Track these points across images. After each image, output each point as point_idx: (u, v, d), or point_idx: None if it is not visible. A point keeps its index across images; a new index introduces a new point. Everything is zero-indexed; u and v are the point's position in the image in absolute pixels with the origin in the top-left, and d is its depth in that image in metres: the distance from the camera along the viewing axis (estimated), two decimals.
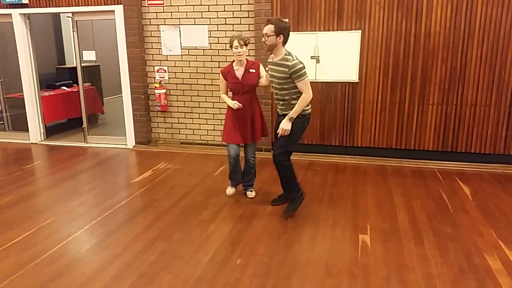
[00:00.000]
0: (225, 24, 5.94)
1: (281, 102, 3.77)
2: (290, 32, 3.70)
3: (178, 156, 5.99)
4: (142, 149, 6.44)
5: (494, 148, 5.38)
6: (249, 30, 5.85)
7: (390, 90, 5.53)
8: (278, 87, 3.72)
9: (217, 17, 5.95)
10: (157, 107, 6.43)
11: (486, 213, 3.98)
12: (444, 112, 5.44)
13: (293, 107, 3.65)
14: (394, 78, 5.47)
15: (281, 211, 4.00)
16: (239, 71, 4.03)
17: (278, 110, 3.88)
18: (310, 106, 3.81)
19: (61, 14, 7.64)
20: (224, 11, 5.90)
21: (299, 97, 3.64)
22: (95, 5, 6.24)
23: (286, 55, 3.60)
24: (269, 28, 3.57)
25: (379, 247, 3.36)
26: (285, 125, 3.65)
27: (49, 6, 6.42)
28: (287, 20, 3.27)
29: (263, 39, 3.64)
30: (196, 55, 6.16)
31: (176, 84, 6.36)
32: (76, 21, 6.44)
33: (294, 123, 3.68)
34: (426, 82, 5.41)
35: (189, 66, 6.24)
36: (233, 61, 4.06)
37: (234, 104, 4.01)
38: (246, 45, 3.93)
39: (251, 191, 4.44)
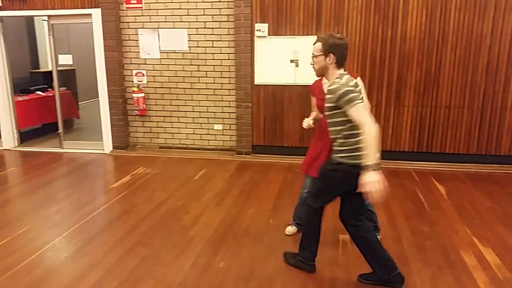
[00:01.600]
0: (205, 28, 5.94)
1: (334, 142, 2.75)
2: (323, 42, 2.72)
3: (157, 161, 5.95)
4: (120, 154, 6.36)
5: (467, 148, 5.55)
6: (228, 34, 5.87)
7: (367, 92, 5.63)
8: (328, 122, 2.78)
9: (197, 21, 5.95)
10: (135, 111, 6.37)
11: (461, 211, 4.09)
12: (419, 114, 5.58)
13: (344, 152, 2.67)
14: (371, 81, 5.58)
15: (264, 218, 4.02)
16: (326, 86, 2.99)
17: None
18: (356, 153, 2.64)
19: (35, 17, 7.49)
20: (204, 14, 5.90)
21: (351, 135, 2.61)
22: (72, 8, 6.15)
23: (337, 78, 2.66)
24: (316, 48, 2.74)
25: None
26: (371, 181, 2.45)
27: (24, 9, 6.29)
28: (340, 35, 2.72)
29: (311, 62, 2.82)
30: (175, 59, 6.13)
31: (155, 87, 6.31)
32: (52, 24, 6.33)
33: (325, 171, 2.79)
34: (402, 85, 5.53)
35: (168, 70, 6.21)
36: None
37: (304, 123, 3.25)
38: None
39: (292, 226, 3.73)
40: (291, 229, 3.68)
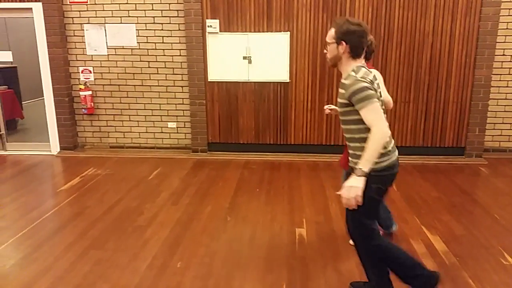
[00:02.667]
0: (154, 23, 5.81)
1: (349, 144, 2.44)
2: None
3: (108, 161, 5.75)
4: (68, 155, 6.10)
5: (414, 141, 5.81)
6: (179, 30, 5.78)
7: (318, 89, 5.74)
8: (340, 120, 2.45)
9: (145, 16, 5.79)
10: (83, 109, 6.12)
11: (409, 201, 4.28)
12: None
13: (354, 157, 2.38)
14: (322, 78, 5.70)
15: (221, 212, 4.00)
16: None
17: (351, 162, 2.48)
18: (390, 153, 2.36)
19: None
20: (152, 9, 5.76)
21: (362, 138, 2.30)
22: (9, 1, 5.79)
23: (352, 71, 2.33)
24: (329, 34, 2.40)
25: (315, 238, 3.49)
26: (351, 186, 2.20)
27: None
28: (357, 21, 2.35)
29: (325, 51, 2.49)
30: (124, 55, 5.95)
31: (103, 85, 6.10)
32: None
33: (367, 186, 2.22)
34: None
35: (117, 66, 6.01)
36: None
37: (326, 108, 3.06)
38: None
39: None
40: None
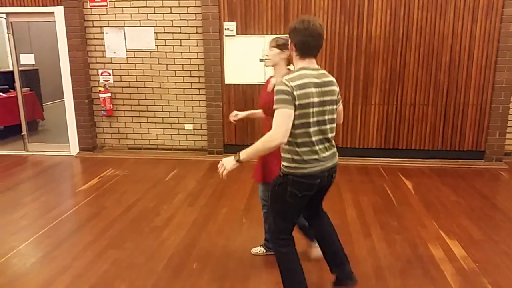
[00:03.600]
0: (172, 26, 5.87)
1: (334, 144, 2.47)
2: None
3: (126, 162, 5.83)
4: (87, 156, 6.20)
5: (432, 144, 5.73)
6: (197, 33, 5.83)
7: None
8: (334, 118, 2.47)
9: (164, 19, 5.86)
10: (102, 111, 6.22)
11: (427, 205, 4.23)
12: (385, 111, 5.72)
13: (286, 161, 2.33)
14: (339, 79, 5.67)
15: (239, 214, 4.02)
16: (271, 84, 2.81)
17: (329, 162, 2.43)
18: (312, 163, 2.30)
19: None
20: (171, 13, 5.83)
21: (295, 142, 2.27)
22: (32, 6, 5.93)
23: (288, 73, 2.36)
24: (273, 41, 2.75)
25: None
26: (227, 160, 2.37)
27: None
28: (306, 18, 2.30)
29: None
30: (143, 58, 6.03)
31: (122, 87, 6.19)
32: (11, 22, 6.09)
33: (274, 185, 2.41)
34: (368, 83, 5.65)
35: (135, 69, 6.09)
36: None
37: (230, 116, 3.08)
38: (278, 47, 2.78)
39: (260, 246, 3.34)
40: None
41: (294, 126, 2.21)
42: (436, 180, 5.00)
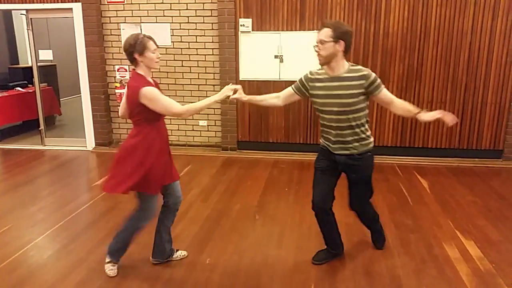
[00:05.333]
0: (188, 22, 5.89)
1: (345, 132, 2.78)
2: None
3: None
4: (103, 150, 6.28)
5: (449, 143, 5.64)
6: (212, 29, 5.83)
7: None
8: (341, 111, 2.72)
9: (180, 16, 5.89)
10: (118, 107, 6.27)
11: (443, 204, 4.17)
12: None
13: (362, 135, 2.80)
14: None
15: (251, 212, 4.03)
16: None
17: (337, 149, 2.84)
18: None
19: (13, 11, 7.31)
20: (187, 9, 5.85)
21: (363, 124, 2.80)
22: (51, 2, 6.02)
23: (352, 65, 2.75)
24: (324, 33, 2.64)
25: (344, 240, 3.43)
26: (431, 113, 2.66)
27: (1, 3, 6.13)
28: (347, 24, 2.62)
29: (316, 49, 2.71)
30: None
31: None
32: (31, 18, 6.19)
33: (370, 163, 2.95)
34: (384, 80, 5.56)
35: None
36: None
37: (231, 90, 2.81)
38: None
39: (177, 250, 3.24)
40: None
41: (366, 107, 2.82)
42: (452, 179, 4.92)
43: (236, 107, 5.93)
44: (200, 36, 5.92)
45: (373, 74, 2.69)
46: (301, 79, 2.91)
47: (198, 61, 6.00)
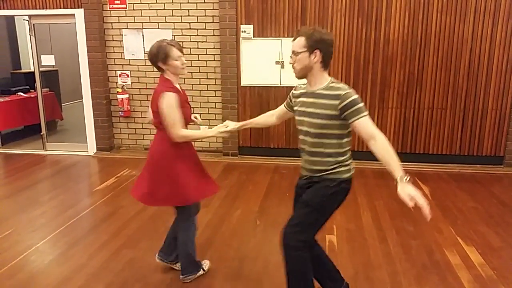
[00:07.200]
0: (190, 28, 5.92)
1: (312, 158, 2.33)
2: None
3: (142, 163, 5.80)
4: (104, 156, 6.29)
5: (450, 149, 5.65)
6: (214, 35, 5.86)
7: None
8: (311, 132, 2.29)
9: (182, 22, 5.92)
10: (120, 112, 6.30)
11: (444, 211, 4.16)
12: (402, 115, 5.66)
13: (332, 166, 2.29)
14: (356, 82, 5.64)
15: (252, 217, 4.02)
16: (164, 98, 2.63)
17: (303, 171, 2.44)
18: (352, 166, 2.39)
19: (15, 17, 7.37)
20: (189, 15, 5.88)
21: (347, 150, 2.35)
22: (54, 8, 6.06)
23: (332, 82, 2.28)
24: (297, 43, 2.26)
25: (345, 246, 3.45)
26: (410, 190, 2.05)
27: (4, 9, 6.17)
28: (325, 30, 2.29)
29: (290, 61, 2.33)
30: None
31: (140, 88, 6.26)
32: (34, 24, 6.22)
33: (326, 191, 2.31)
34: (385, 86, 5.60)
35: (153, 71, 6.13)
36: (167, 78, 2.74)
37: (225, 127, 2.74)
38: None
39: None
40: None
41: (347, 135, 2.32)
42: (453, 185, 4.92)
43: (238, 113, 5.94)
44: (202, 42, 5.94)
45: (353, 97, 2.16)
46: (289, 94, 2.57)
47: (199, 67, 6.03)
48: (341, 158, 2.31)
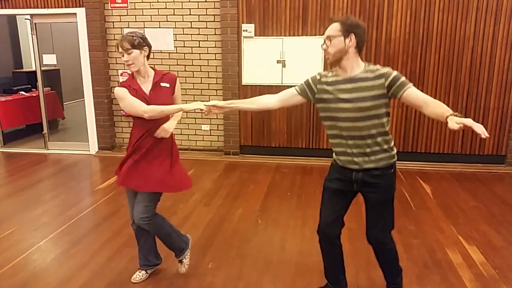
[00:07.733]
0: (191, 27, 5.92)
1: (361, 144, 2.32)
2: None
3: None
4: (105, 155, 6.29)
5: (452, 148, 5.64)
6: (215, 34, 5.86)
7: None
8: (358, 117, 2.27)
9: (183, 21, 5.92)
10: (121, 111, 6.31)
11: (446, 210, 4.16)
12: (404, 114, 5.65)
13: (392, 149, 2.38)
14: None
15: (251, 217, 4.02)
16: (145, 85, 2.74)
17: (351, 164, 2.40)
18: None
19: (17, 16, 7.38)
20: (190, 14, 5.88)
21: (386, 132, 2.32)
22: (55, 7, 6.07)
23: (369, 65, 2.32)
24: (332, 28, 2.27)
25: (347, 245, 3.43)
26: (457, 119, 2.00)
27: (6, 8, 6.18)
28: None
29: (323, 47, 2.31)
30: (162, 59, 6.09)
31: None
32: (35, 23, 6.23)
33: (391, 181, 2.46)
34: None
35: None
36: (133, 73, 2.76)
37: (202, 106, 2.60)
38: (136, 47, 2.63)
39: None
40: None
41: (388, 114, 2.36)
42: (455, 184, 4.92)
43: (239, 112, 5.94)
44: (203, 41, 5.95)
45: (395, 72, 2.23)
46: (307, 80, 2.47)
47: (201, 66, 6.03)
48: (388, 137, 2.35)
